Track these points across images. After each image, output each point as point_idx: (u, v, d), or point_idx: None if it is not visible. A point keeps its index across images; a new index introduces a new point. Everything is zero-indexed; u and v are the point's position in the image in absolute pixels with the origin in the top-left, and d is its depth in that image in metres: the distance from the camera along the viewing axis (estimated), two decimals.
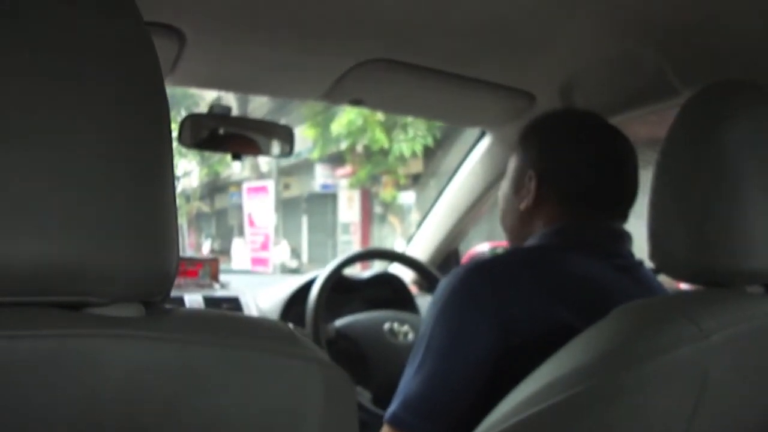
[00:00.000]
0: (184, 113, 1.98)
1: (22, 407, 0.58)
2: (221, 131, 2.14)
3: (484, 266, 1.41)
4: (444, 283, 1.42)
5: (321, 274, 2.36)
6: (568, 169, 1.53)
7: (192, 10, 1.49)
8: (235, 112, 2.19)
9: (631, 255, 1.51)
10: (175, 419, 0.64)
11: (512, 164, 1.64)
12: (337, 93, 2.01)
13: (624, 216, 1.55)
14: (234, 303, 2.51)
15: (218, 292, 2.61)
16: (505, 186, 1.66)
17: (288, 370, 0.71)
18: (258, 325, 0.76)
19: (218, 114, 2.14)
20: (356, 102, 2.16)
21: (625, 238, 1.52)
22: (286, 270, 15.70)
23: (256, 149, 2.25)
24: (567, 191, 1.53)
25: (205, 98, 17.55)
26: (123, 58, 0.65)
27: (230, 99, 14.17)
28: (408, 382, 1.38)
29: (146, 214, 0.65)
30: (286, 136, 2.24)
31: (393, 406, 1.37)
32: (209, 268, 2.68)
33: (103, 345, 0.61)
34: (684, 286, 1.31)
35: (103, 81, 0.63)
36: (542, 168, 1.55)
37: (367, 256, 2.87)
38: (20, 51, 0.59)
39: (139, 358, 0.63)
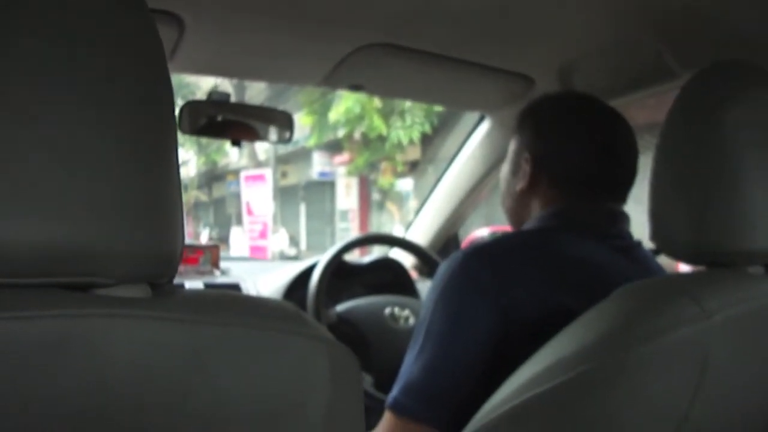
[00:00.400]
0: (181, 102, 1.98)
1: (31, 387, 0.59)
2: (220, 118, 2.14)
3: (483, 250, 1.41)
4: (443, 267, 1.42)
5: (322, 259, 2.37)
6: (562, 152, 1.53)
7: None
8: (232, 99, 2.19)
9: (629, 235, 1.51)
10: (184, 397, 0.65)
11: (511, 146, 1.65)
12: (337, 78, 2.01)
13: (622, 199, 1.54)
14: (235, 289, 2.51)
15: (219, 279, 2.62)
16: (505, 168, 1.66)
17: (295, 348, 0.72)
18: (265, 304, 0.76)
19: (217, 101, 2.13)
20: (356, 87, 2.16)
21: (623, 218, 1.52)
22: (284, 258, 15.71)
23: (255, 135, 2.24)
24: (561, 174, 1.53)
25: (201, 87, 17.53)
26: (128, 44, 0.65)
27: (227, 87, 14.17)
28: (409, 367, 1.38)
29: (152, 195, 0.66)
30: (286, 122, 2.23)
31: (394, 392, 1.38)
32: (210, 255, 2.68)
33: (111, 325, 0.62)
34: (683, 267, 1.31)
35: (109, 65, 0.63)
36: (537, 150, 1.55)
37: (367, 241, 2.85)
38: (28, 37, 0.59)
39: (147, 337, 0.63)
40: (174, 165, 0.69)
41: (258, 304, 0.76)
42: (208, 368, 0.66)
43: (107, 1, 0.64)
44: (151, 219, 0.65)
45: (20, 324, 0.58)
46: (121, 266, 0.64)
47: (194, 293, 0.73)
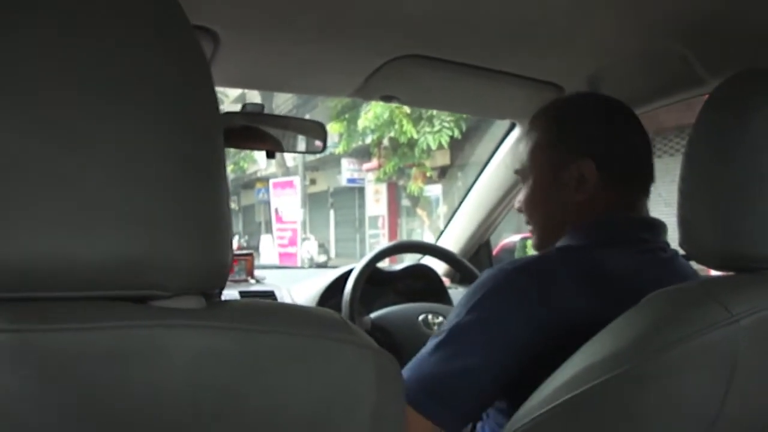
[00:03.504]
0: None
1: (92, 396, 0.61)
2: (254, 129, 2.16)
3: (531, 266, 1.40)
4: (487, 277, 1.40)
5: (356, 267, 2.39)
6: (622, 149, 1.51)
7: (225, 11, 1.52)
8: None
9: (667, 245, 1.51)
10: (238, 404, 0.67)
11: (541, 155, 1.58)
12: (369, 89, 2.04)
13: (648, 195, 1.55)
14: (270, 297, 2.55)
15: (253, 287, 2.65)
16: (538, 182, 1.60)
17: (343, 355, 0.74)
18: (313, 313, 0.79)
19: (251, 112, 2.15)
20: (388, 98, 2.18)
21: (661, 228, 1.51)
22: (314, 264, 15.72)
23: (289, 146, 2.26)
24: (622, 172, 1.50)
25: (229, 95, 17.60)
26: (176, 60, 0.68)
27: (254, 95, 14.22)
28: (425, 358, 1.35)
29: (204, 208, 0.68)
30: (319, 133, 2.24)
31: (405, 376, 1.31)
32: (245, 264, 2.72)
33: (168, 335, 0.65)
34: (715, 273, 1.32)
35: (160, 84, 0.66)
36: (598, 151, 1.50)
37: (400, 249, 2.83)
38: (80, 56, 0.62)
39: (203, 347, 0.66)
40: (223, 177, 0.71)
41: (307, 313, 0.79)
42: (262, 375, 0.69)
43: (154, 21, 0.67)
44: (205, 231, 0.68)
45: (85, 335, 0.61)
46: (178, 279, 0.67)
47: (245, 303, 0.76)
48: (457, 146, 14.38)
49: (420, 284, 2.76)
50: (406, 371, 1.34)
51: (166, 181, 0.65)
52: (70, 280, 0.62)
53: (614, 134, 1.53)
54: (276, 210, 17.16)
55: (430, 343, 1.37)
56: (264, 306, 0.76)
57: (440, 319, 2.41)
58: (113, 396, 0.63)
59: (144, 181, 0.64)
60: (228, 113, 2.19)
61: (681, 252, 1.33)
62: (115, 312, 0.64)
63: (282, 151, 2.27)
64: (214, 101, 0.72)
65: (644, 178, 1.54)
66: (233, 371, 0.67)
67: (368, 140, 15.77)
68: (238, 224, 27.17)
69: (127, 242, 0.63)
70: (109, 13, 0.64)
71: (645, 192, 1.55)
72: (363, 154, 17.71)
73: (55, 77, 0.61)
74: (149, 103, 0.65)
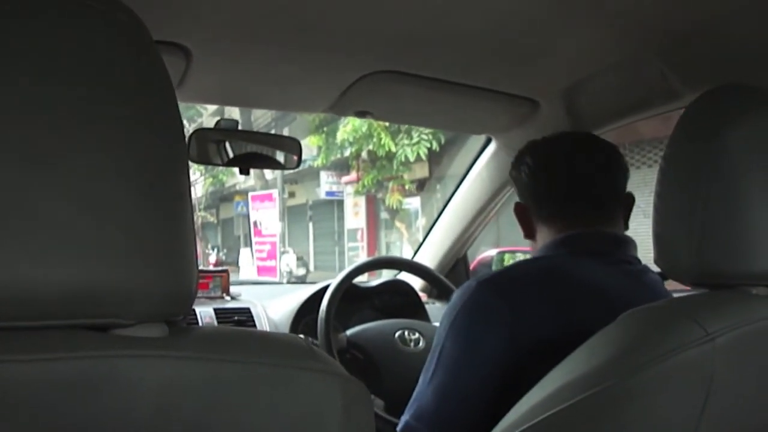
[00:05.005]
0: (186, 124, 1.99)
1: (54, 428, 0.60)
2: (229, 146, 2.15)
3: (495, 278, 1.44)
4: (456, 295, 1.45)
5: (331, 284, 2.37)
6: (532, 183, 1.60)
7: (197, 27, 1.51)
8: (238, 119, 2.19)
9: (637, 260, 1.52)
10: None
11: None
12: (343, 105, 2.03)
13: (611, 217, 1.56)
14: (245, 314, 2.53)
15: (228, 304, 2.63)
16: None
17: (309, 384, 0.73)
18: (278, 340, 0.78)
19: (225, 128, 2.15)
20: (362, 113, 2.17)
21: (630, 243, 1.53)
22: (293, 277, 15.70)
23: (264, 163, 2.26)
24: (539, 201, 1.59)
25: (207, 108, 17.58)
26: (137, 81, 0.66)
27: (232, 108, 14.21)
28: (421, 392, 1.40)
29: (167, 234, 0.67)
30: (294, 149, 2.25)
31: (406, 416, 1.40)
32: (220, 281, 2.70)
33: (131, 365, 0.63)
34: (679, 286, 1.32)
35: (120, 104, 0.64)
36: (523, 202, 1.63)
37: (376, 265, 2.84)
38: (39, 79, 0.60)
39: (167, 376, 0.65)
40: (187, 201, 0.70)
41: (272, 340, 0.78)
42: (226, 404, 0.67)
43: (114, 39, 0.66)
44: (168, 258, 0.67)
45: (45, 366, 0.60)
46: (140, 306, 0.65)
47: (210, 331, 0.75)
48: (435, 158, 14.41)
49: (397, 300, 2.75)
50: (407, 411, 1.41)
51: (128, 207, 0.64)
52: (29, 309, 0.61)
53: (538, 178, 1.60)
54: (255, 223, 17.15)
55: (423, 378, 1.43)
56: (228, 333, 0.75)
57: (416, 335, 2.40)
58: (75, 428, 0.61)
59: (105, 208, 0.62)
60: (202, 129, 2.19)
61: (656, 269, 1.32)
62: (75, 342, 0.63)
63: (256, 167, 2.26)
64: (179, 125, 0.71)
65: (595, 205, 1.55)
66: (197, 401, 0.66)
67: (347, 153, 15.78)
68: (216, 238, 27.16)
69: (88, 270, 0.61)
70: (69, 36, 0.63)
71: (606, 214, 1.56)
72: (342, 167, 17.72)
73: (14, 101, 0.59)
74: (110, 127, 0.64)
